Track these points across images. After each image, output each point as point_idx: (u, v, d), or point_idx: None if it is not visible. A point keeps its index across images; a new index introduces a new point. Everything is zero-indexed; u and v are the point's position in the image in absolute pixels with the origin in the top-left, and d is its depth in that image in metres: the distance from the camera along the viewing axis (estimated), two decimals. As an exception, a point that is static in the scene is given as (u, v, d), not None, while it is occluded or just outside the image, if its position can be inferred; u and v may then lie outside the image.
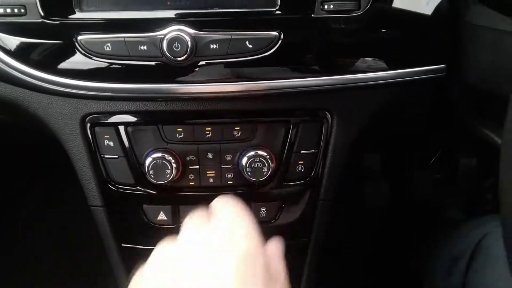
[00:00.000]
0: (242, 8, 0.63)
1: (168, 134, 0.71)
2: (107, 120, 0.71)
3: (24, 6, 0.62)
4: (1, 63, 0.63)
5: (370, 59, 0.67)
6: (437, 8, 0.65)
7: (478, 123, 0.70)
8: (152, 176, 0.69)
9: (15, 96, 0.70)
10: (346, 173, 0.79)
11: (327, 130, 0.73)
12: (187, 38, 0.61)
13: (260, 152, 0.70)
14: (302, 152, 0.73)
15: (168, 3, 0.63)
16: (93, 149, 0.72)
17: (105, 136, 0.71)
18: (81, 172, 0.74)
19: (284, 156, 0.72)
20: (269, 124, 0.72)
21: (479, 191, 1.49)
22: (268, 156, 0.70)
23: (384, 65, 0.67)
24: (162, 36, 0.61)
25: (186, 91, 0.65)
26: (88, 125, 0.71)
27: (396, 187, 1.45)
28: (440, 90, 0.72)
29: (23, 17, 0.62)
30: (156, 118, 0.71)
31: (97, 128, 0.71)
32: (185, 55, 0.61)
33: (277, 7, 0.63)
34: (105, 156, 0.72)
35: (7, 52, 0.63)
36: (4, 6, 0.61)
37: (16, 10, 0.62)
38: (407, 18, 0.66)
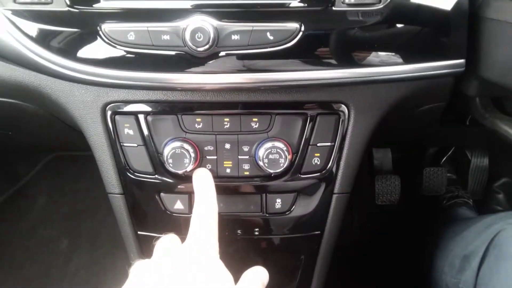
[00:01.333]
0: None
1: (187, 124, 0.72)
2: (127, 108, 0.72)
3: (50, -4, 0.63)
4: (26, 50, 0.64)
5: (389, 53, 0.67)
6: (457, 3, 0.65)
7: (495, 119, 0.70)
8: (170, 165, 0.70)
9: (38, 83, 0.71)
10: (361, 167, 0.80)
11: (344, 123, 0.74)
12: (210, 28, 0.62)
13: (277, 144, 0.71)
14: (318, 145, 0.74)
15: (191, -5, 0.64)
16: (113, 137, 0.73)
17: (125, 125, 0.72)
18: (100, 159, 0.75)
19: (300, 148, 0.73)
20: (286, 116, 0.73)
21: (490, 191, 1.49)
22: (285, 148, 0.71)
23: (403, 59, 0.67)
24: (185, 26, 0.62)
25: (207, 81, 0.66)
26: (109, 113, 0.72)
27: (407, 183, 1.45)
28: (458, 85, 0.72)
29: (48, 5, 0.63)
30: (176, 107, 0.72)
31: (117, 117, 0.72)
32: (207, 45, 0.62)
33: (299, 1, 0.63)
34: (125, 144, 0.73)
35: (32, 39, 0.64)
36: (32, -6, 0.62)
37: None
38: (426, 12, 0.66)
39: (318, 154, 0.74)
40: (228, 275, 0.55)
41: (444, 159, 1.49)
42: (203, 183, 0.67)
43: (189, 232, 0.60)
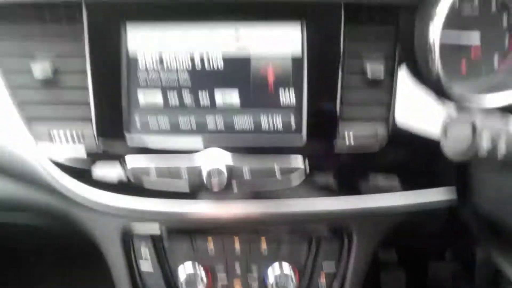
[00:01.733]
0: (272, 133, 0.70)
1: (199, 248, 0.77)
2: (145, 233, 0.77)
3: (82, 133, 0.70)
4: (59, 182, 0.71)
5: (387, 185, 0.73)
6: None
7: (492, 248, 0.74)
8: (184, 288, 0.74)
9: (65, 207, 0.77)
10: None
11: (347, 246, 0.78)
12: (224, 168, 0.68)
13: (284, 268, 0.75)
14: (324, 267, 0.77)
15: (207, 128, 0.70)
16: (131, 260, 0.77)
17: (142, 249, 0.77)
18: (117, 279, 0.79)
19: (307, 271, 0.77)
20: (293, 239, 0.77)
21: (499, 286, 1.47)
22: (292, 272, 0.75)
23: (402, 188, 0.73)
24: (202, 164, 0.69)
25: (219, 212, 0.72)
26: (127, 237, 0.77)
27: (413, 278, 1.45)
28: (453, 213, 0.77)
29: (80, 142, 0.71)
30: (189, 232, 0.77)
31: (135, 240, 0.77)
32: (222, 183, 0.68)
33: (304, 141, 0.70)
34: (141, 268, 0.77)
35: (65, 172, 0.71)
36: (65, 133, 0.70)
37: (75, 137, 0.70)
38: (421, 146, 0.73)
39: (324, 277, 0.77)
40: None
41: (447, 253, 1.50)
42: None
43: None
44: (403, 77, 0.71)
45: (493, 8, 0.74)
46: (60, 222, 0.80)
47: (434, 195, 0.74)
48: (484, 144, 0.46)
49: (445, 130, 0.48)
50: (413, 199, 0.74)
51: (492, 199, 0.67)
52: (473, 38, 0.74)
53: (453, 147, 0.48)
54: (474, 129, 0.46)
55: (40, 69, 0.68)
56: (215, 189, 0.68)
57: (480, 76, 0.77)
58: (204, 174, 0.68)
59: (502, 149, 0.46)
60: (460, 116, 0.48)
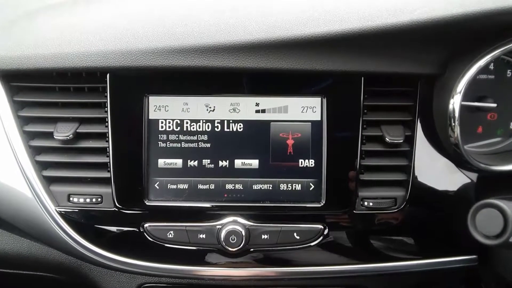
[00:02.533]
0: (290, 203, 0.70)
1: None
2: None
3: (101, 196, 0.71)
4: (77, 245, 0.71)
5: (406, 248, 0.73)
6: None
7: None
8: None
9: (79, 264, 0.77)
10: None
11: (364, 305, 0.77)
12: (242, 230, 0.68)
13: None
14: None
15: (225, 195, 0.71)
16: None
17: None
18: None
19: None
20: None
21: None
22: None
23: (420, 253, 0.73)
24: (220, 227, 0.69)
25: (236, 274, 0.71)
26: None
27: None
28: (472, 274, 0.77)
29: (99, 205, 0.71)
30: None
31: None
32: (240, 246, 0.68)
33: (323, 204, 0.70)
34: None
35: (81, 234, 0.71)
36: (84, 196, 0.70)
37: (94, 200, 0.70)
38: (440, 211, 0.73)
39: None
40: None
41: None
42: None
43: None
44: (422, 142, 0.72)
45: (508, 73, 0.76)
46: (69, 275, 0.80)
47: (453, 259, 0.73)
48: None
49: (474, 216, 0.49)
50: (431, 261, 0.74)
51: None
52: (490, 102, 0.75)
53: (482, 234, 0.48)
54: (505, 217, 0.46)
55: (62, 133, 0.69)
56: (233, 249, 0.68)
57: (495, 139, 0.78)
58: (222, 236, 0.68)
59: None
60: (488, 202, 0.48)
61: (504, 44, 0.64)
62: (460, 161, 0.70)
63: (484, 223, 0.47)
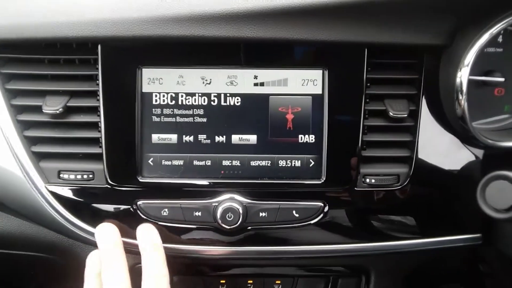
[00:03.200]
0: (290, 179, 0.68)
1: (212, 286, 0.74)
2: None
3: (92, 173, 0.68)
4: (68, 224, 0.68)
5: (408, 227, 0.71)
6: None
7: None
8: None
9: (70, 243, 0.74)
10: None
11: (365, 285, 0.75)
12: (239, 207, 0.66)
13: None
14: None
15: (222, 171, 0.68)
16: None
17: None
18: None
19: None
20: (309, 279, 0.75)
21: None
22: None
23: (421, 232, 0.70)
24: (216, 205, 0.66)
25: (233, 253, 0.69)
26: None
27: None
28: (476, 253, 0.75)
29: (90, 182, 0.68)
30: (203, 273, 0.74)
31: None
32: (237, 224, 0.66)
33: (323, 180, 0.67)
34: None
35: (73, 212, 0.69)
36: (75, 172, 0.68)
37: (85, 176, 0.68)
38: (444, 189, 0.71)
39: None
40: None
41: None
42: (149, 242, 0.63)
43: None
44: (427, 117, 0.69)
45: (517, 45, 0.73)
46: (61, 255, 0.78)
47: (456, 238, 0.71)
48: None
49: (483, 189, 0.46)
50: (434, 240, 0.71)
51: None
52: (497, 76, 0.72)
53: (492, 207, 0.45)
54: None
55: (51, 107, 0.66)
56: (230, 226, 0.66)
57: (503, 115, 0.75)
58: (218, 213, 0.65)
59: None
60: (500, 173, 0.46)
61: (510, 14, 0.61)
62: (467, 137, 0.68)
63: (495, 196, 0.45)
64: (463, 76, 0.63)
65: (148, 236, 0.63)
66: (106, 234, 0.63)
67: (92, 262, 0.62)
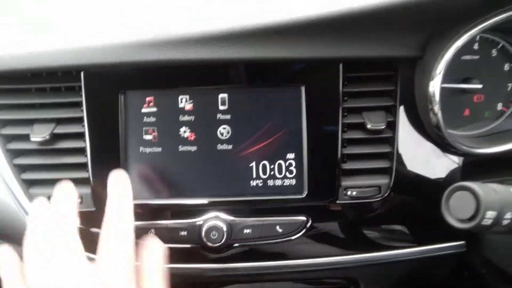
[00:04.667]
0: (272, 195, 0.69)
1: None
2: None
3: (81, 197, 0.70)
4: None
5: (392, 237, 0.71)
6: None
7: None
8: None
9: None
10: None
11: (354, 296, 0.76)
12: (223, 225, 0.67)
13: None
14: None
15: (207, 190, 0.69)
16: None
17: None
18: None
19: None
20: (298, 292, 0.76)
21: None
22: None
23: (407, 242, 0.71)
24: (201, 223, 0.68)
25: (220, 270, 0.70)
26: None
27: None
28: (463, 260, 0.75)
29: (79, 206, 0.70)
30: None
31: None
32: (221, 242, 0.67)
33: (305, 195, 0.69)
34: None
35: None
36: (63, 197, 0.69)
37: (73, 200, 0.69)
38: (425, 197, 0.71)
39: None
40: None
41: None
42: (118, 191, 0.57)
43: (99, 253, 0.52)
44: (405, 128, 0.70)
45: (493, 52, 0.74)
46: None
47: (441, 246, 0.72)
48: (488, 216, 0.44)
49: (447, 200, 0.47)
50: (418, 249, 0.72)
51: (504, 256, 0.65)
52: (475, 83, 0.73)
53: (456, 217, 0.46)
54: (477, 199, 0.45)
55: (39, 134, 0.68)
56: (215, 244, 0.67)
57: (483, 121, 0.76)
58: (203, 232, 0.67)
59: (506, 221, 0.45)
60: (461, 184, 0.47)
61: (481, 22, 0.62)
62: (444, 145, 0.69)
63: (458, 206, 0.45)
64: (435, 85, 0.64)
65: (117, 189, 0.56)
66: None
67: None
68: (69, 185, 0.60)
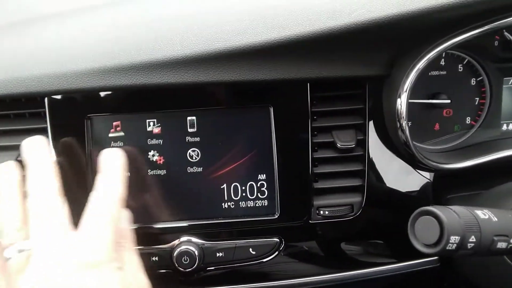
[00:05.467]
0: (244, 217, 0.68)
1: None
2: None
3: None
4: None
5: (367, 254, 0.71)
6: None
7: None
8: None
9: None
10: None
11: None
12: (195, 250, 0.66)
13: None
14: None
15: (178, 214, 0.68)
16: None
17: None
18: None
19: None
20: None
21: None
22: None
23: (384, 259, 0.71)
24: (173, 248, 0.67)
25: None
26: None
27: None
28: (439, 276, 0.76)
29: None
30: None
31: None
32: (193, 266, 0.66)
33: (277, 216, 0.68)
34: None
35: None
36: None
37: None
38: (398, 214, 0.71)
39: None
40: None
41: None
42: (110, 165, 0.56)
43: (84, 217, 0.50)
44: (376, 145, 0.70)
45: (460, 68, 0.75)
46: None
47: (415, 263, 0.72)
48: (452, 241, 0.44)
49: (412, 225, 0.47)
50: (393, 267, 0.72)
51: (477, 271, 0.65)
52: (443, 98, 0.74)
53: (421, 242, 0.46)
54: (441, 225, 0.45)
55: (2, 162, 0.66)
56: (187, 269, 0.66)
57: (453, 135, 0.77)
58: (175, 257, 0.66)
59: (470, 244, 0.45)
60: (425, 209, 0.47)
61: (445, 40, 0.63)
62: (413, 161, 0.69)
63: (423, 231, 0.45)
64: (402, 102, 0.65)
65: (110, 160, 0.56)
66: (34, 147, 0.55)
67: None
68: (39, 138, 0.57)
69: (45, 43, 0.68)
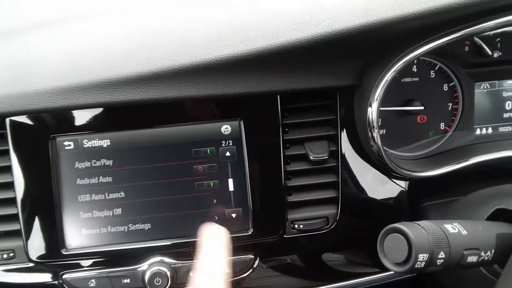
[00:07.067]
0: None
1: None
2: None
3: (13, 251, 0.65)
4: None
5: (344, 266, 0.70)
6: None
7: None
8: None
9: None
10: None
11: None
12: (167, 270, 0.64)
13: None
14: None
15: (148, 235, 0.66)
16: None
17: None
18: None
19: None
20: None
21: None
22: None
23: (360, 270, 0.70)
24: (144, 269, 0.65)
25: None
26: None
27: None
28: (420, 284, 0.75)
29: (12, 261, 0.66)
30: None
31: None
32: (166, 287, 0.64)
33: (251, 232, 0.66)
34: None
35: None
36: (-5, 252, 0.65)
37: (5, 256, 0.65)
38: (373, 224, 0.70)
39: None
40: None
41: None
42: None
43: None
44: (349, 156, 0.69)
45: (432, 74, 0.74)
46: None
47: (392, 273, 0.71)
48: (421, 259, 0.43)
49: (382, 243, 0.46)
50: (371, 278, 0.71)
51: (454, 280, 0.65)
52: (416, 105, 0.73)
53: (391, 260, 0.45)
54: (409, 243, 0.44)
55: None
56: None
57: (428, 142, 0.76)
58: (147, 278, 0.64)
59: (440, 260, 0.44)
60: (393, 227, 0.45)
61: (414, 49, 0.62)
62: (387, 170, 0.68)
63: (392, 249, 0.44)
64: (373, 111, 0.64)
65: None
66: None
67: None
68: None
69: (4, 62, 0.65)
